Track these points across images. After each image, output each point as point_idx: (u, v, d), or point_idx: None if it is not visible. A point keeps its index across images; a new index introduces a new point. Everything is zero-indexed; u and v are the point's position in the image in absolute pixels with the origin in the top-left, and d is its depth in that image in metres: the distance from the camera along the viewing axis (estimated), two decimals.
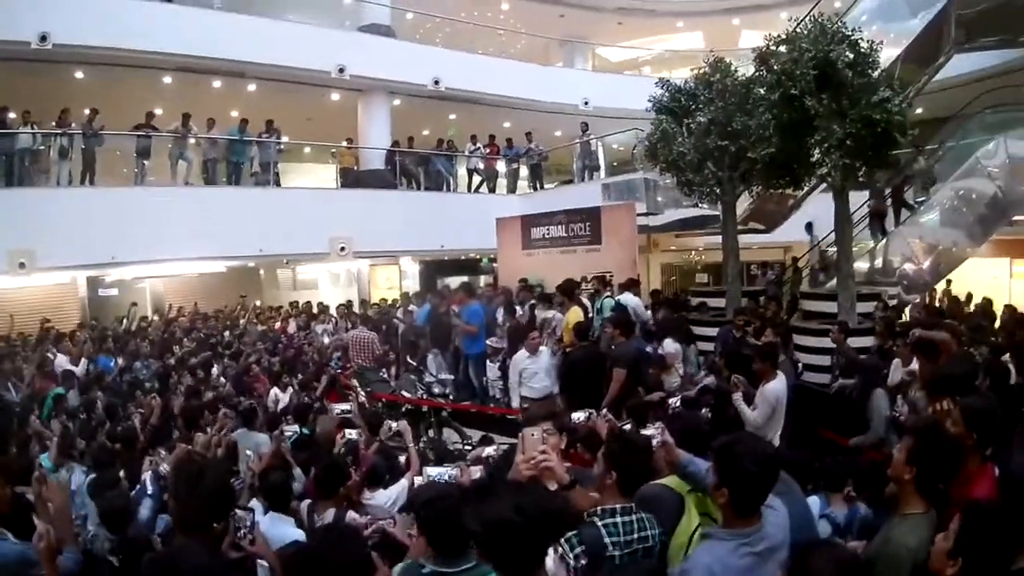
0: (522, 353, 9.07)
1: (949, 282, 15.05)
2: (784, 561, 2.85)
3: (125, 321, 16.50)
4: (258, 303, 20.45)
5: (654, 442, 3.68)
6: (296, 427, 7.30)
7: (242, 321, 17.14)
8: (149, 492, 5.21)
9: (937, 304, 13.90)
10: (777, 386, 6.51)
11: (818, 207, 14.39)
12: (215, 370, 11.87)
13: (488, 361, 11.74)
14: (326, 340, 13.83)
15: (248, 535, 3.45)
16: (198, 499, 3.24)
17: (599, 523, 3.24)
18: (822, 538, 3.10)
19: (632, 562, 3.22)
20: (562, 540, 3.10)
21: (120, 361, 12.76)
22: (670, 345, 9.24)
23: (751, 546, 2.91)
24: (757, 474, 2.91)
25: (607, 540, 3.19)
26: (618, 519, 3.27)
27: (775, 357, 6.89)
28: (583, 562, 3.05)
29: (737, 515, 2.96)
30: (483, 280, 19.60)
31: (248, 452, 5.87)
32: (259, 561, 3.58)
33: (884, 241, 14.46)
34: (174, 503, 3.59)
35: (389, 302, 17.86)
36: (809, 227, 16.81)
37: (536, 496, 2.45)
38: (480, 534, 2.47)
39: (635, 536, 3.27)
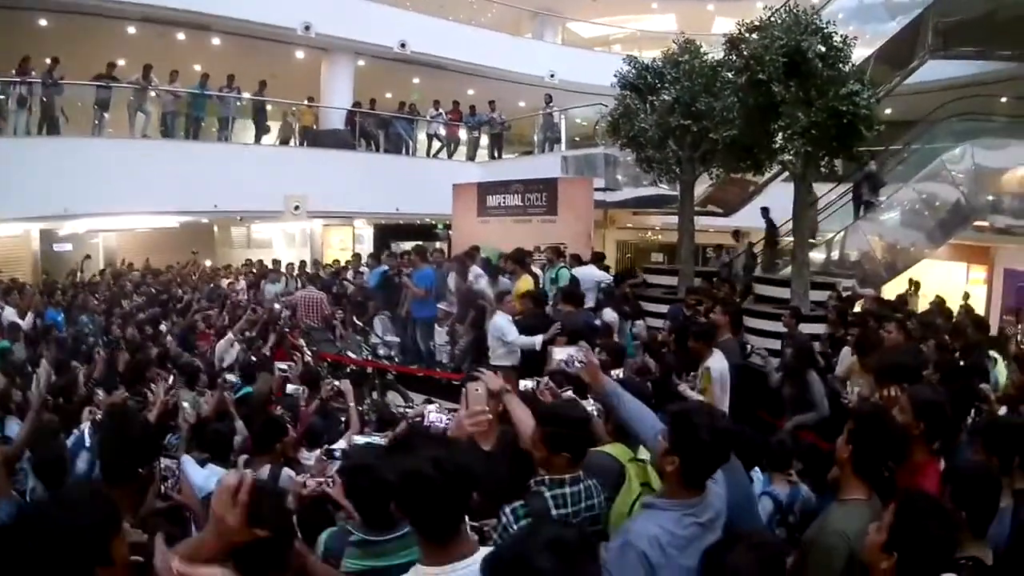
0: (504, 316, 8.79)
1: (914, 283, 15.11)
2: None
3: (79, 275, 16.22)
4: (208, 262, 20.20)
5: (577, 364, 3.63)
6: (237, 379, 7.23)
7: (194, 277, 16.93)
8: (87, 445, 5.07)
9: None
10: (719, 364, 6.47)
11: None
12: (163, 326, 11.63)
13: (436, 326, 11.67)
14: (276, 307, 13.60)
15: (176, 485, 3.35)
16: (123, 445, 3.14)
17: (547, 494, 3.16)
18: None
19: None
20: (507, 510, 3.07)
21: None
22: (608, 314, 9.54)
23: (696, 516, 2.85)
24: (712, 445, 2.83)
25: (554, 512, 3.11)
26: (567, 489, 3.19)
27: (712, 337, 6.85)
28: None
29: (684, 485, 2.89)
30: (437, 245, 19.50)
31: (185, 404, 5.73)
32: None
33: (842, 233, 14.59)
34: (101, 449, 3.50)
35: (342, 263, 17.71)
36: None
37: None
38: (396, 488, 2.38)
39: (582, 505, 3.21)
